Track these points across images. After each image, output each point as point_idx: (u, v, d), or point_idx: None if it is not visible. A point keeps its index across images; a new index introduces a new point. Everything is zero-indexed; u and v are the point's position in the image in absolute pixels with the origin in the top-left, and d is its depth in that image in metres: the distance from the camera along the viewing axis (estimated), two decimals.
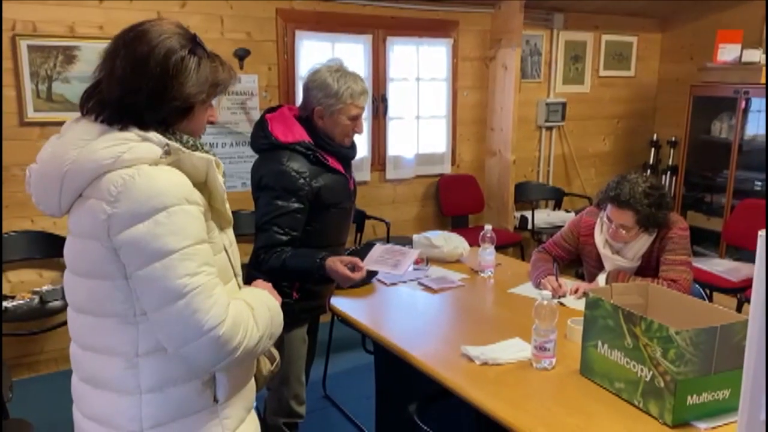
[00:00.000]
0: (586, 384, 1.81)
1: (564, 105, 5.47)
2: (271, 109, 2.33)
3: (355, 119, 2.26)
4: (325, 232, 2.30)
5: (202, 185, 1.30)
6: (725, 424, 1.58)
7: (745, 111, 4.83)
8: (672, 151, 5.79)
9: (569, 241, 2.75)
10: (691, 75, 5.32)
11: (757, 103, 4.83)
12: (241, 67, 4.08)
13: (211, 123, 1.41)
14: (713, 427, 1.58)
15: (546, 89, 5.48)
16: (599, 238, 2.60)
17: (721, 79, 4.89)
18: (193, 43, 1.29)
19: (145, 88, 1.23)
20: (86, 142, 1.22)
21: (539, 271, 2.66)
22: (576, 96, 5.58)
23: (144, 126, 1.24)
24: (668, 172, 5.74)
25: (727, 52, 4.85)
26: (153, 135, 1.24)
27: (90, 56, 3.57)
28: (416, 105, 4.83)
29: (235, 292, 1.36)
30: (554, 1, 5.15)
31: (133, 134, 1.23)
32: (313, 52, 4.28)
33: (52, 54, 3.55)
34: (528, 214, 5.13)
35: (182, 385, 1.27)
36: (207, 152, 1.33)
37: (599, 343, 1.78)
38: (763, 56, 4.72)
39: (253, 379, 1.45)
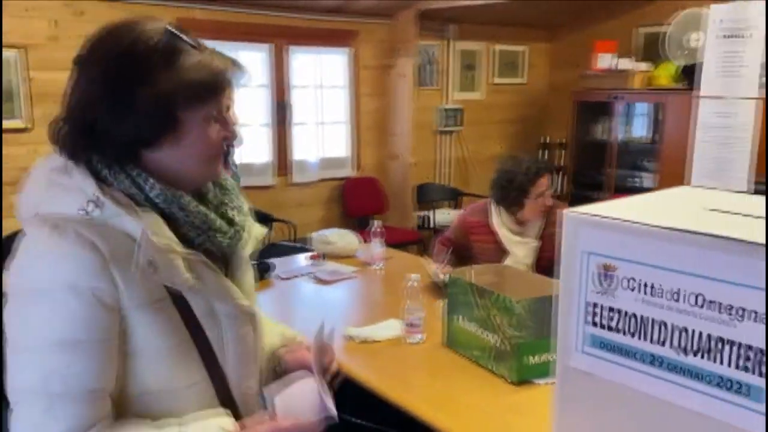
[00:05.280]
0: (451, 354, 2.06)
1: (461, 111, 5.81)
2: None
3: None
4: None
5: None
6: None
7: (625, 114, 5.32)
8: (562, 152, 6.23)
9: (458, 237, 3.02)
10: (575, 82, 5.77)
11: (630, 107, 5.32)
12: None
13: (227, 139, 1.06)
14: (549, 383, 1.84)
15: (443, 96, 5.80)
16: (501, 229, 2.85)
17: (598, 85, 5.35)
18: (169, 35, 1.03)
19: (103, 98, 0.96)
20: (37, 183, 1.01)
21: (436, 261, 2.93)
22: (471, 102, 5.94)
23: (103, 156, 0.97)
24: (559, 172, 6.18)
25: (604, 61, 5.32)
26: (83, 181, 0.95)
27: None
28: (319, 111, 5.03)
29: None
30: (449, 13, 5.48)
31: (65, 178, 0.97)
32: None
33: None
34: (429, 213, 5.41)
35: None
36: (206, 213, 1.03)
37: (459, 317, 2.02)
38: (635, 64, 5.21)
39: None
